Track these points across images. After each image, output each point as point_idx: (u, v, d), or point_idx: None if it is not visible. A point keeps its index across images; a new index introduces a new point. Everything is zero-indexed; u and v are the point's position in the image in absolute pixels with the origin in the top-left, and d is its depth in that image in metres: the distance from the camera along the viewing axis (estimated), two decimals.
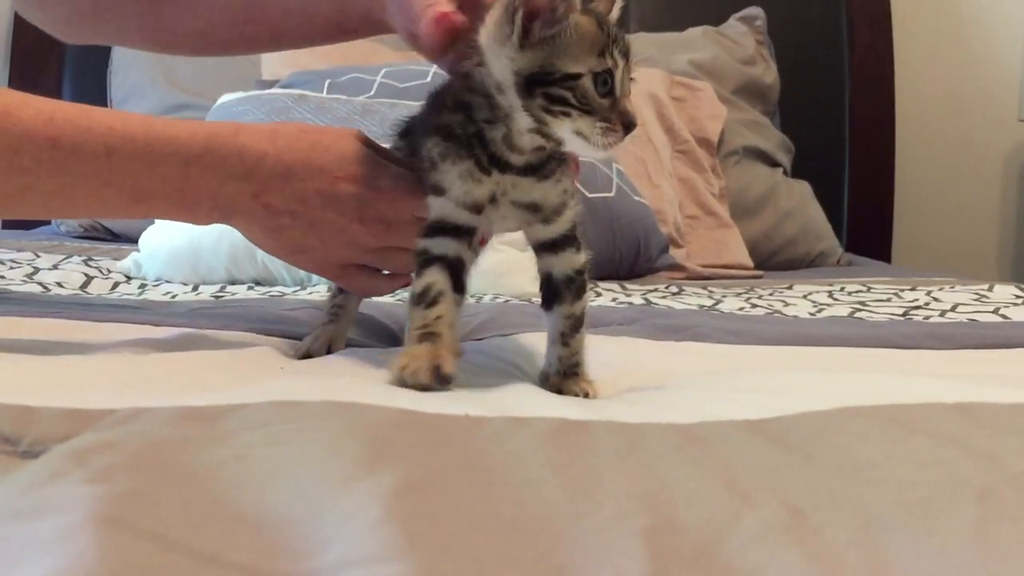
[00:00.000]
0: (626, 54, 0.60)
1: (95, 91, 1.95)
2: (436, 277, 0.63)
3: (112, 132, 0.68)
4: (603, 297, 1.22)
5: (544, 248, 0.67)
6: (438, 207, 0.64)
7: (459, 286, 0.64)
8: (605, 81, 0.58)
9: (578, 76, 0.58)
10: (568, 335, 0.66)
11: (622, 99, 0.59)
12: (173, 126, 0.71)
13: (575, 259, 0.66)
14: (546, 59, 0.58)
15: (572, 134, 0.59)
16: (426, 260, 0.63)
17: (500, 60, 0.59)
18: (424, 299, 0.62)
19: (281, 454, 0.39)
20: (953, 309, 1.10)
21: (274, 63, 1.82)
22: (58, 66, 2.07)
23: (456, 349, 0.62)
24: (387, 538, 0.31)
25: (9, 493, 0.34)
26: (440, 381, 0.58)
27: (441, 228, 0.64)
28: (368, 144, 0.74)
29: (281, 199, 0.71)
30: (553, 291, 0.67)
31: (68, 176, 0.68)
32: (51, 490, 0.33)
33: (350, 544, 0.31)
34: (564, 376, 0.65)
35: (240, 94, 1.62)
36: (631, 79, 0.61)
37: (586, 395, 0.64)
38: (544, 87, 0.58)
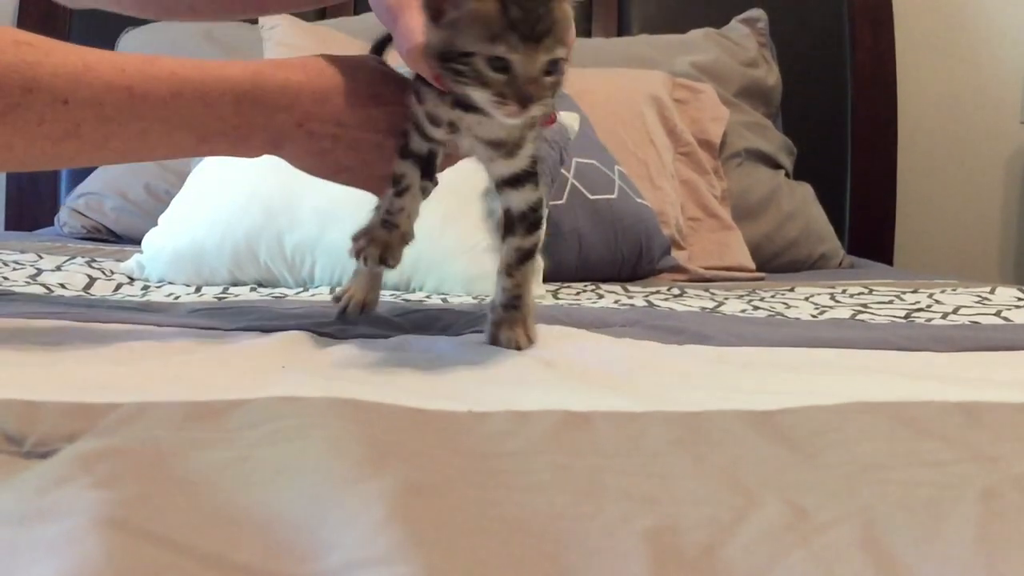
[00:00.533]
0: (538, 37, 0.64)
1: None
2: (408, 169, 0.76)
3: (174, 76, 0.73)
4: (605, 299, 1.22)
5: (506, 183, 0.76)
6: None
7: (428, 173, 0.77)
8: (501, 62, 0.65)
9: (471, 54, 0.66)
10: (514, 267, 0.77)
11: (520, 78, 0.65)
12: (223, 67, 0.76)
13: (532, 195, 0.75)
14: (450, 38, 0.67)
15: (478, 101, 0.68)
16: (403, 150, 0.76)
17: (428, 34, 0.70)
18: (397, 185, 0.76)
19: (284, 454, 0.40)
20: (955, 312, 1.10)
21: (282, 51, 1.83)
22: None
23: (407, 239, 0.77)
24: (391, 540, 0.31)
25: (16, 497, 0.34)
26: (384, 265, 0.75)
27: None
28: (385, 64, 0.82)
29: (321, 124, 0.77)
30: (508, 224, 0.77)
31: (143, 121, 0.72)
32: (57, 494, 0.33)
33: (354, 546, 0.31)
34: (505, 309, 0.76)
35: None
36: (553, 57, 0.66)
37: (518, 347, 0.74)
38: (447, 61, 0.68)
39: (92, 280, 1.19)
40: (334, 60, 0.80)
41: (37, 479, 0.35)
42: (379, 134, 0.78)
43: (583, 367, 0.71)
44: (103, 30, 2.05)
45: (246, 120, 0.76)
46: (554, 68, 0.67)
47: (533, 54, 0.64)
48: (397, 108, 0.77)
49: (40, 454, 0.43)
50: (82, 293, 1.12)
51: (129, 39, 2.01)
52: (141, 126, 0.73)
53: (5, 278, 1.16)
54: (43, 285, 1.13)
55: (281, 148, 0.79)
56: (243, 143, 0.77)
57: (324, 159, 0.79)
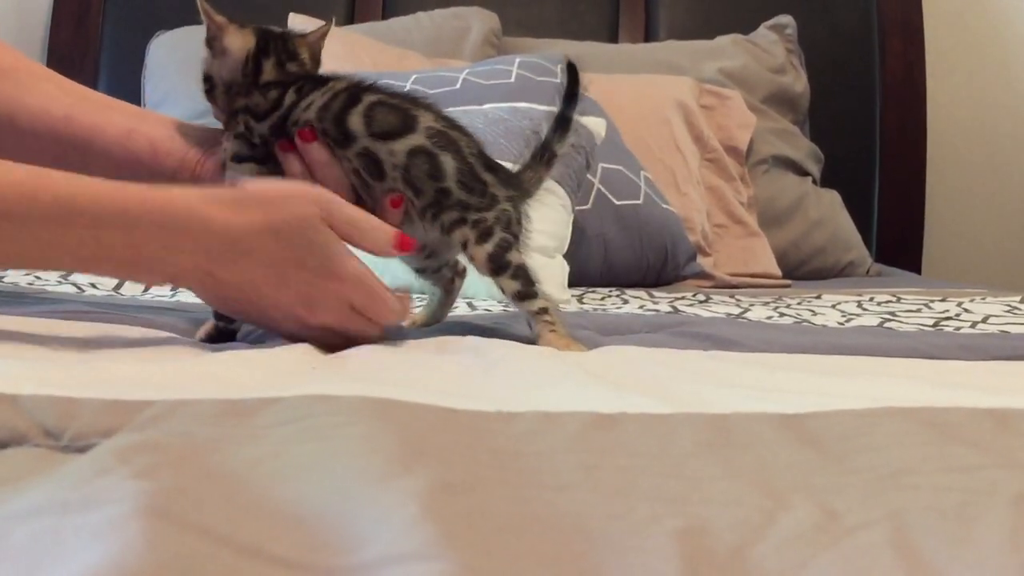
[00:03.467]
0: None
1: (130, 97, 1.98)
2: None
3: (57, 202, 0.67)
4: (630, 304, 1.22)
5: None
6: None
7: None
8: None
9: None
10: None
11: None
12: (124, 189, 0.68)
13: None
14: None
15: None
16: None
17: None
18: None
19: (317, 451, 0.40)
20: (984, 320, 1.09)
21: None
22: (93, 72, 2.10)
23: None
24: (425, 536, 0.32)
25: (57, 487, 0.35)
26: None
27: None
28: (333, 215, 0.72)
29: (231, 277, 0.71)
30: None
31: (17, 245, 0.67)
32: (98, 484, 0.34)
33: (389, 541, 0.32)
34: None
35: None
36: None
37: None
38: None
39: (122, 280, 1.21)
40: (267, 204, 0.71)
41: (77, 471, 0.36)
42: (294, 304, 0.72)
43: (610, 371, 0.71)
44: (135, 31, 2.07)
45: (137, 252, 0.69)
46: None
47: None
48: (325, 284, 0.72)
49: (77, 448, 0.44)
50: (112, 293, 1.13)
51: (159, 43, 2.03)
52: (14, 248, 0.66)
53: (37, 277, 1.17)
54: (74, 284, 1.15)
55: (179, 283, 0.76)
56: (130, 270, 0.72)
57: (229, 304, 0.75)
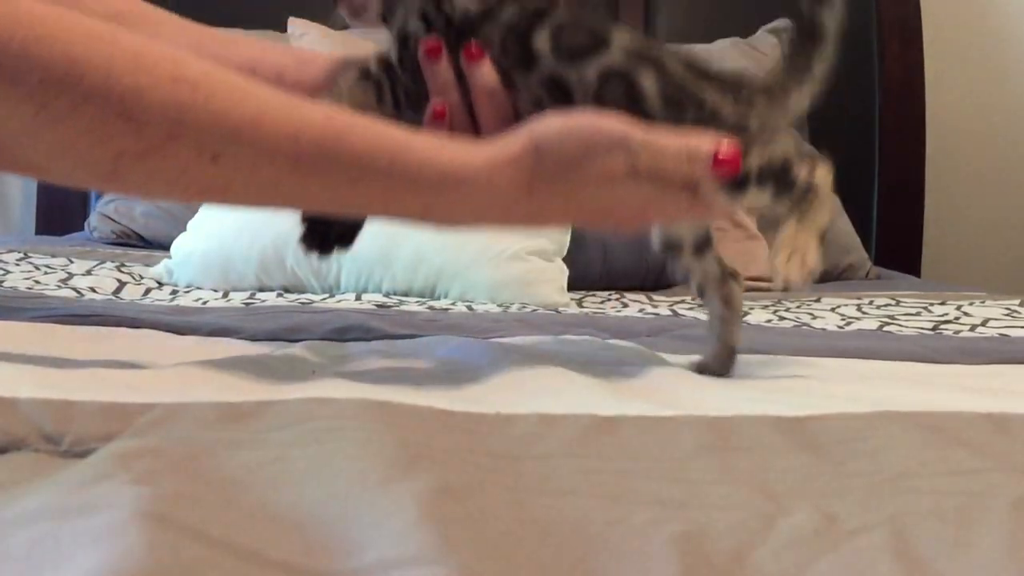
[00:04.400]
0: None
1: None
2: None
3: (357, 160, 0.62)
4: (630, 308, 1.22)
5: None
6: None
7: None
8: None
9: None
10: None
11: None
12: (426, 152, 0.63)
13: None
14: None
15: None
16: None
17: None
18: None
19: (317, 455, 0.40)
20: (984, 324, 1.09)
21: None
22: None
23: None
24: (424, 541, 0.32)
25: (56, 492, 0.35)
26: None
27: None
28: (640, 159, 0.63)
29: (548, 215, 0.66)
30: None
31: (321, 197, 0.62)
32: (98, 489, 0.34)
33: (388, 545, 0.32)
34: None
35: None
36: None
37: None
38: None
39: (122, 284, 1.21)
40: (564, 160, 0.63)
41: (77, 476, 0.36)
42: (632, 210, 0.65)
43: (609, 373, 0.71)
44: None
45: (436, 213, 0.63)
46: None
47: None
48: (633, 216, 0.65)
49: (77, 453, 0.44)
50: (112, 297, 1.13)
51: None
52: (313, 190, 0.61)
53: (36, 282, 1.17)
54: (74, 289, 1.15)
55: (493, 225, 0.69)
56: (437, 226, 0.65)
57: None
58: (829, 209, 0.67)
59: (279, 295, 1.23)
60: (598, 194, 0.64)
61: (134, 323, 0.85)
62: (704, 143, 0.63)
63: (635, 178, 0.63)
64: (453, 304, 1.19)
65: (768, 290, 1.62)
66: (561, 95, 0.66)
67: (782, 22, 2.07)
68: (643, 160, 0.63)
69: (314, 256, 0.70)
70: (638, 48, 0.67)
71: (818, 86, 0.73)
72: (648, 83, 0.66)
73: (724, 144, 0.63)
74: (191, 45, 0.78)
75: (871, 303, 1.30)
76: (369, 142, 0.62)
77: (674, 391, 0.62)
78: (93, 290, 1.16)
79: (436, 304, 1.18)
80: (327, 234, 0.69)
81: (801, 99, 0.72)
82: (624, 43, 0.67)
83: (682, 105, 0.66)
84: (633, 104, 0.65)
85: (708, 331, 0.75)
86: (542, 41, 0.66)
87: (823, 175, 0.67)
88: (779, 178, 0.66)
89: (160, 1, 0.87)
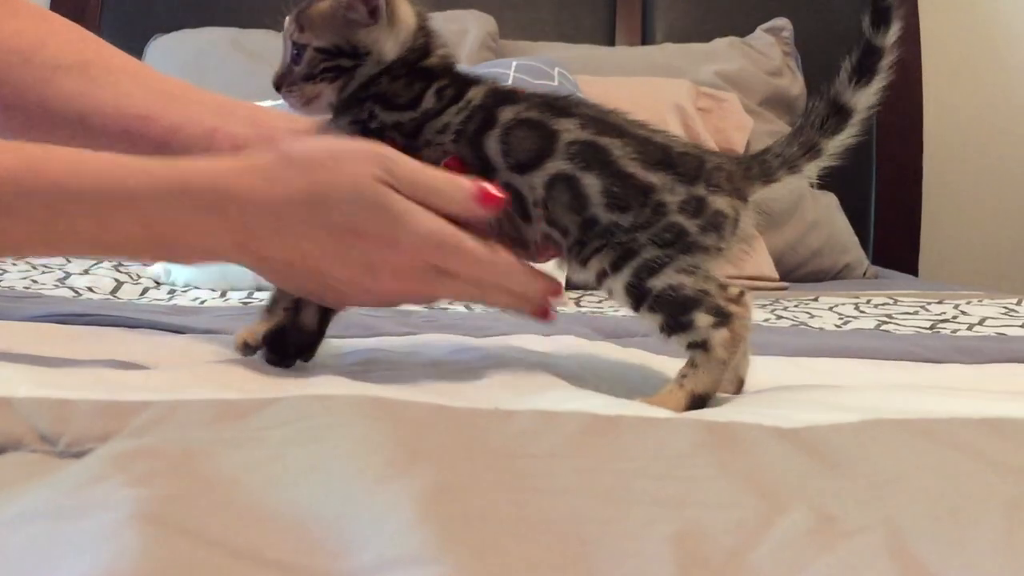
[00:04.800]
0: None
1: None
2: None
3: (56, 187, 0.60)
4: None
5: None
6: None
7: None
8: None
9: None
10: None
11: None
12: (130, 165, 0.61)
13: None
14: None
15: None
16: None
17: None
18: None
19: (314, 453, 0.40)
20: (981, 323, 1.09)
21: None
22: None
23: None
24: (422, 539, 0.32)
25: (52, 494, 0.35)
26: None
27: None
28: (389, 171, 0.62)
29: (276, 253, 0.62)
30: None
31: (15, 236, 0.61)
32: (93, 491, 0.34)
33: (386, 544, 0.32)
34: None
35: (270, 103, 1.64)
36: (291, 49, 0.69)
37: None
38: None
39: (119, 284, 1.21)
40: (316, 166, 0.62)
41: (73, 477, 0.36)
42: (353, 270, 0.62)
43: (606, 373, 0.71)
44: (132, 35, 2.07)
45: (158, 232, 0.61)
46: (299, 56, 0.67)
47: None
48: (382, 249, 0.61)
49: (74, 454, 0.44)
50: (109, 297, 1.14)
51: (157, 47, 2.03)
52: (12, 239, 0.60)
53: (34, 281, 1.17)
54: (71, 288, 1.15)
55: (220, 260, 0.65)
56: (164, 251, 0.65)
57: (277, 279, 0.66)
58: (715, 379, 0.62)
59: None
60: (354, 243, 0.61)
61: (132, 323, 0.85)
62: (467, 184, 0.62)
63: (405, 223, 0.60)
64: (450, 303, 1.19)
65: (766, 289, 1.62)
66: (516, 199, 0.65)
67: (780, 21, 2.07)
68: (400, 175, 0.61)
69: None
70: (587, 138, 0.64)
71: (819, 168, 0.69)
72: (590, 182, 0.63)
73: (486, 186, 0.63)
74: (142, 107, 0.77)
75: (869, 302, 1.30)
76: (70, 165, 0.60)
77: None
78: (91, 290, 1.16)
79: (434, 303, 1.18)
80: (286, 349, 0.69)
81: (785, 188, 0.68)
82: (572, 135, 0.64)
83: (625, 201, 0.63)
84: (578, 205, 0.64)
85: None
86: (494, 150, 0.65)
87: (722, 339, 0.62)
88: (675, 313, 0.62)
89: (161, 1, 0.86)
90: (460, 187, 0.63)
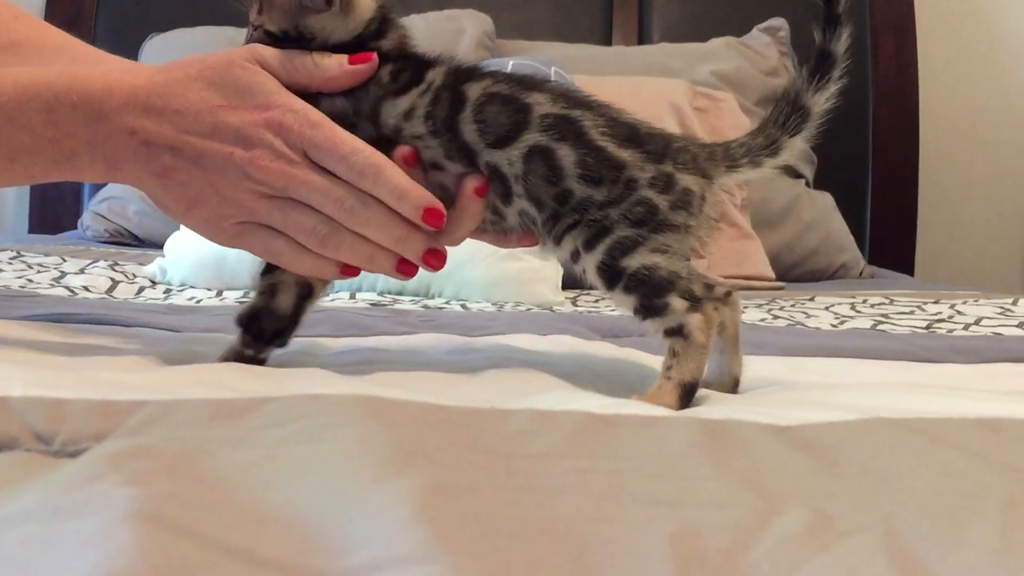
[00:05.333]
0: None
1: None
2: None
3: None
4: None
5: None
6: None
7: None
8: None
9: None
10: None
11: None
12: (35, 72, 0.64)
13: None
14: None
15: None
16: None
17: None
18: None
19: (310, 453, 0.40)
20: (977, 323, 1.10)
21: None
22: None
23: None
24: (418, 539, 0.32)
25: (47, 493, 0.35)
26: None
27: None
28: (268, 64, 0.65)
29: (159, 131, 0.63)
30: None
31: None
32: (90, 490, 0.34)
33: (381, 544, 0.32)
34: None
35: None
36: (250, 29, 0.69)
37: None
38: None
39: (115, 283, 1.21)
40: (195, 60, 0.65)
41: (68, 477, 0.36)
42: (225, 145, 0.62)
43: (603, 373, 0.71)
44: (128, 34, 2.07)
45: (63, 132, 0.63)
46: (251, 38, 0.68)
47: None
48: (255, 117, 0.63)
49: (69, 453, 0.44)
50: (105, 296, 1.13)
51: (153, 46, 2.03)
52: None
53: (30, 280, 1.17)
54: (67, 288, 1.15)
55: (119, 167, 0.65)
56: (68, 162, 0.65)
57: (168, 182, 0.65)
58: (699, 364, 0.62)
59: None
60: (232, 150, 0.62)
61: (127, 322, 0.85)
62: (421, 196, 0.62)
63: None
64: (447, 303, 1.19)
65: (762, 288, 1.62)
66: (498, 179, 0.65)
67: (776, 20, 2.07)
68: (268, 56, 0.64)
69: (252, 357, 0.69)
70: (559, 111, 0.65)
71: (784, 162, 0.70)
72: (565, 153, 0.64)
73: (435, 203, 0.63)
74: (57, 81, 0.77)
75: (865, 302, 1.30)
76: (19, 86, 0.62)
77: None
78: (86, 289, 1.15)
79: (430, 303, 1.18)
80: (262, 333, 0.69)
81: (743, 178, 0.69)
82: (544, 108, 0.64)
83: (598, 175, 0.63)
84: (554, 177, 0.64)
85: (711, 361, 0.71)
86: (470, 132, 0.65)
87: (698, 323, 0.62)
88: (650, 294, 0.62)
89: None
90: (334, 57, 0.65)
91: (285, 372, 0.64)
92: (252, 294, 0.71)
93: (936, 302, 1.28)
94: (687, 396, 0.61)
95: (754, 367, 0.75)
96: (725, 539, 0.35)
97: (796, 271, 1.86)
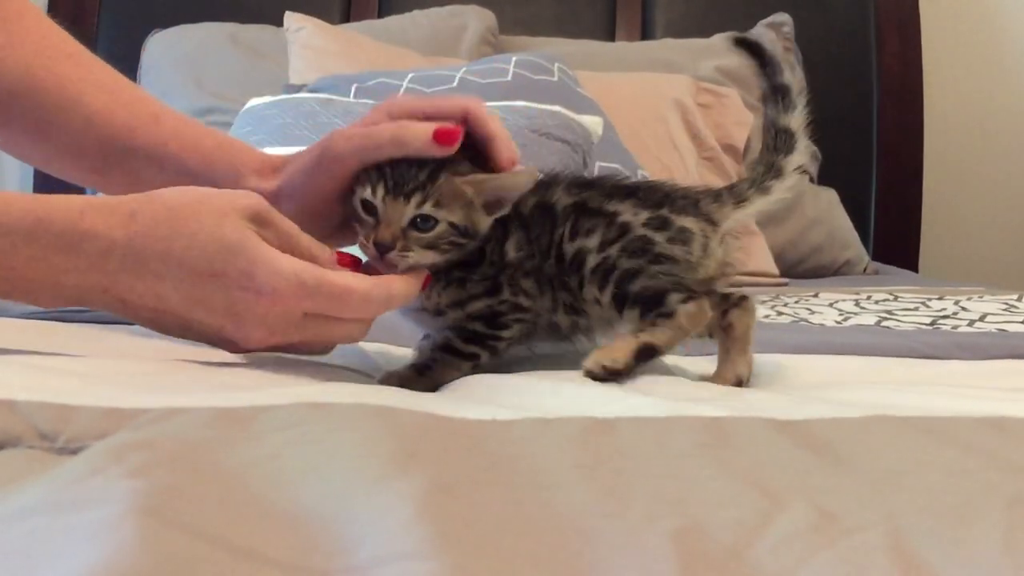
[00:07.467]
0: (407, 194, 0.65)
1: None
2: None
3: None
4: None
5: None
6: None
7: None
8: (369, 207, 0.67)
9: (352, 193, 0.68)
10: None
11: (380, 225, 0.66)
12: (10, 199, 0.60)
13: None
14: None
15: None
16: None
17: None
18: None
19: (314, 452, 0.40)
20: (981, 319, 1.09)
21: (302, 68, 1.84)
22: None
23: None
24: (419, 537, 0.32)
25: (49, 487, 0.35)
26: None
27: None
28: (259, 221, 0.62)
29: (137, 297, 0.61)
30: None
31: None
32: (91, 484, 0.34)
33: (383, 542, 0.32)
34: None
35: (268, 98, 1.64)
36: (413, 215, 0.66)
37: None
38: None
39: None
40: (178, 213, 0.60)
41: (71, 471, 0.36)
42: (214, 318, 0.61)
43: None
44: (130, 31, 2.07)
45: (23, 274, 0.59)
46: (425, 225, 0.66)
47: (396, 204, 0.65)
48: (243, 294, 0.60)
49: (72, 450, 0.44)
50: None
51: (155, 42, 2.03)
52: None
53: None
54: None
55: (87, 305, 0.64)
56: (26, 293, 0.61)
57: (153, 325, 0.64)
58: (669, 338, 0.66)
59: None
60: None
61: (129, 323, 0.85)
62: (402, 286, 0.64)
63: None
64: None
65: (766, 285, 1.62)
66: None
67: (780, 16, 2.07)
68: (271, 222, 0.62)
69: None
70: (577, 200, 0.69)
71: (788, 188, 0.73)
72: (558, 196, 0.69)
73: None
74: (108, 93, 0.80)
75: (869, 298, 1.30)
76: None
77: (668, 392, 0.62)
78: None
79: None
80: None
81: (756, 208, 0.72)
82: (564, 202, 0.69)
83: (592, 226, 0.68)
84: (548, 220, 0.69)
85: (718, 359, 0.73)
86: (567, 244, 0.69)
87: (687, 310, 0.66)
88: (650, 303, 0.67)
89: None
90: (325, 248, 0.65)
91: (287, 380, 0.64)
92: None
93: (940, 298, 1.27)
94: (643, 355, 0.65)
95: (758, 364, 0.75)
96: (728, 536, 0.35)
97: (800, 267, 1.86)
